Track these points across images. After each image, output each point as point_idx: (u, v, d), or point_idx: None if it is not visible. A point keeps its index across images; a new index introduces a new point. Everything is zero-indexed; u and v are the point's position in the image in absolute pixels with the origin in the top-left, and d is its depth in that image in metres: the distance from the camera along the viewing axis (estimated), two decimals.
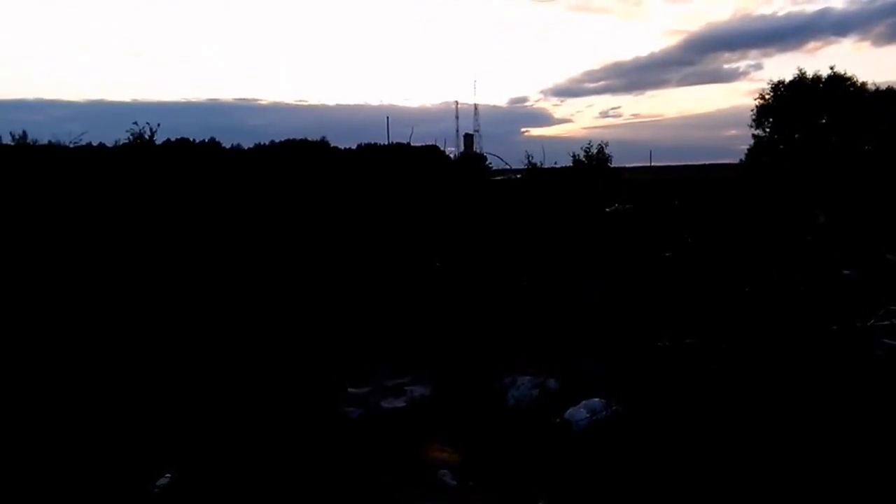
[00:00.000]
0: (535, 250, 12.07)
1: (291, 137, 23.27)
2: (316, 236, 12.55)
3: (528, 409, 5.68)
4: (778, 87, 31.02)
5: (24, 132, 18.15)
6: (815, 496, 4.03)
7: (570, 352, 6.79)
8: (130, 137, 18.67)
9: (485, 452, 4.96)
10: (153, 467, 4.71)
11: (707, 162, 49.35)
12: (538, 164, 24.68)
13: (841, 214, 15.77)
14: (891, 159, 25.02)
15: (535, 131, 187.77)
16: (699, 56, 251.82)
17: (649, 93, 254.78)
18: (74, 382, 6.08)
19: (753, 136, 32.09)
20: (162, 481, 4.58)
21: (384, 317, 8.12)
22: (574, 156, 27.11)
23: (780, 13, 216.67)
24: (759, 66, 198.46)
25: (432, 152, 24.71)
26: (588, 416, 5.26)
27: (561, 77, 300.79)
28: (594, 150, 27.22)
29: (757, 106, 31.67)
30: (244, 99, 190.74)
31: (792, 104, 30.27)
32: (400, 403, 6.01)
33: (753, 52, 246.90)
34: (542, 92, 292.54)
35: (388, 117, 37.28)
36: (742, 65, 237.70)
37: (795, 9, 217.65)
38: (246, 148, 22.16)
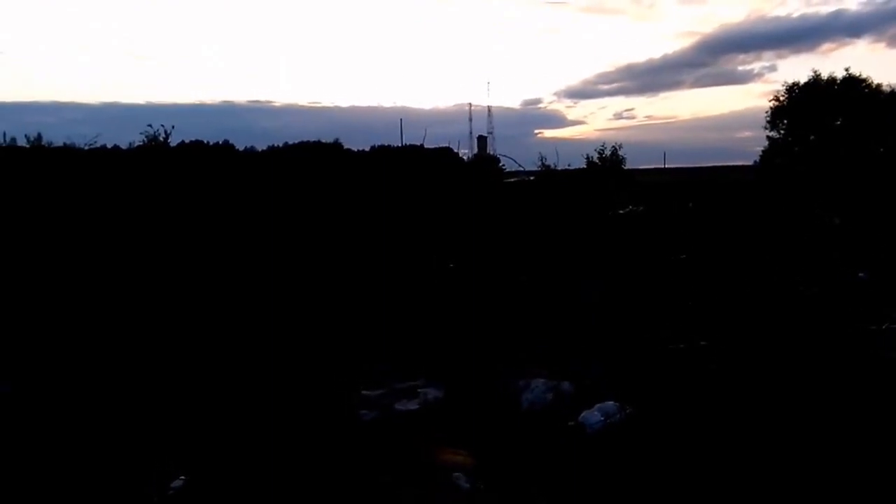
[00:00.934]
0: (548, 252, 12.07)
1: (305, 139, 23.30)
2: (330, 238, 12.61)
3: (542, 413, 5.67)
4: (792, 89, 30.77)
5: (39, 134, 18.20)
6: (830, 498, 4.02)
7: (583, 355, 6.78)
8: (145, 140, 18.81)
9: (498, 455, 4.96)
10: (166, 469, 4.74)
11: (721, 164, 49.27)
12: (552, 166, 24.70)
13: (856, 217, 15.67)
14: None
15: (548, 133, 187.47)
16: (713, 58, 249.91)
17: (663, 94, 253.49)
18: (88, 382, 6.15)
19: (768, 137, 31.84)
20: (176, 483, 4.61)
21: (396, 319, 8.14)
22: (588, 157, 27.01)
23: (795, 14, 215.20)
24: (773, 68, 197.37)
25: (446, 154, 24.62)
26: (602, 419, 5.26)
27: (574, 79, 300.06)
28: (608, 152, 27.09)
29: (771, 108, 31.42)
30: (258, 101, 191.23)
31: (806, 106, 30.00)
32: (413, 406, 6.00)
33: (767, 54, 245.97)
34: (555, 94, 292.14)
35: (401, 119, 37.30)
36: (756, 66, 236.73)
37: (810, 10, 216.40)
38: (260, 150, 22.14)
